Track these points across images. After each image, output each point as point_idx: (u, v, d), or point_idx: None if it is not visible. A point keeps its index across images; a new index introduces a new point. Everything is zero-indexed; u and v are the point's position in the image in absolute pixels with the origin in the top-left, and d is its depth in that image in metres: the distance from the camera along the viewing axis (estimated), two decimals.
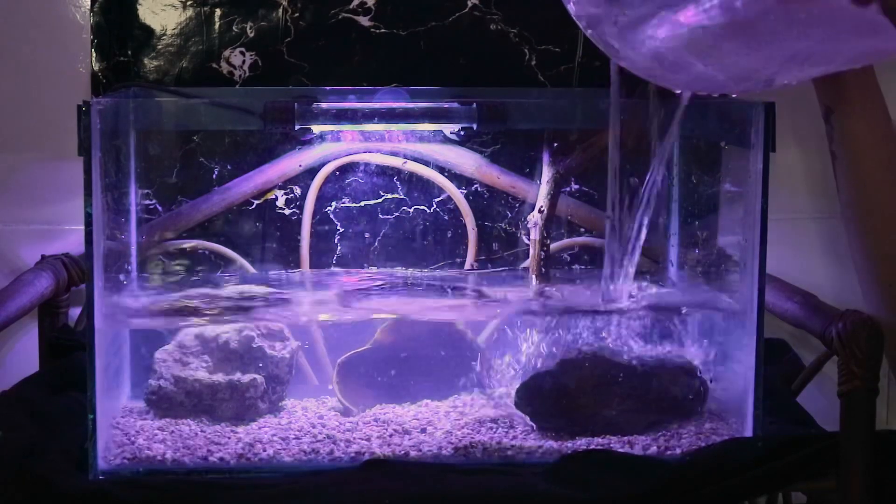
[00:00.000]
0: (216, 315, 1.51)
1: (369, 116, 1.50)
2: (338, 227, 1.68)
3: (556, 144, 1.60)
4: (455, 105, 1.52)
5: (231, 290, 1.59)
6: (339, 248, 1.68)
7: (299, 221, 1.67)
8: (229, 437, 1.44)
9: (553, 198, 1.59)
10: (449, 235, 1.69)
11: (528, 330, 1.57)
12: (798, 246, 1.85)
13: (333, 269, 1.68)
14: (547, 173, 1.60)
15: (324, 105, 1.50)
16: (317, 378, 1.65)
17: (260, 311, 1.52)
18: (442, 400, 1.58)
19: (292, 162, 1.67)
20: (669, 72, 1.09)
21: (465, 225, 1.69)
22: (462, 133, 1.59)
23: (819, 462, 1.37)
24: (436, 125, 1.58)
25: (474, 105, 1.51)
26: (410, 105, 1.52)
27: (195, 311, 1.51)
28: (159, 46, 1.73)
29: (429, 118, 1.54)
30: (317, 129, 1.57)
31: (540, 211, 1.59)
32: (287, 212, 1.68)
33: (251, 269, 1.67)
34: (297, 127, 1.49)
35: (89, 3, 1.72)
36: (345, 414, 1.54)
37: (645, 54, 1.12)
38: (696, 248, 1.63)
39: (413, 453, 1.43)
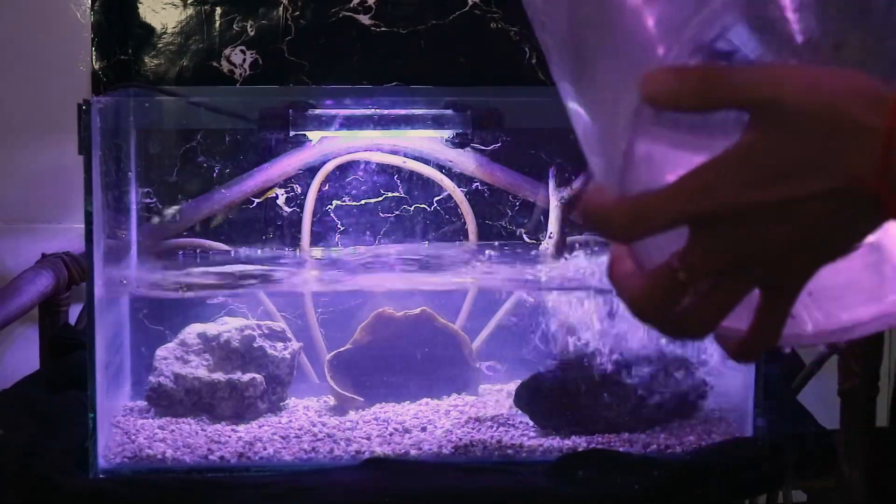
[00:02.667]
0: (215, 286, 1.51)
1: (363, 123, 1.50)
2: (338, 226, 1.68)
3: (559, 165, 1.60)
4: (450, 112, 1.52)
5: (230, 268, 1.59)
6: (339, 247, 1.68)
7: (300, 220, 1.67)
8: (229, 436, 1.44)
9: (562, 223, 1.59)
10: (449, 235, 1.69)
11: None
12: None
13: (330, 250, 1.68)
14: (553, 199, 1.60)
15: (318, 111, 1.50)
16: (317, 377, 1.65)
17: (257, 284, 1.53)
18: (438, 398, 1.58)
19: (300, 158, 1.66)
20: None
21: (465, 223, 1.69)
22: (457, 140, 1.58)
23: (819, 460, 1.37)
24: (430, 132, 1.58)
25: (468, 112, 1.50)
26: (404, 112, 1.52)
27: (195, 285, 1.51)
28: (160, 45, 1.73)
29: (423, 124, 1.54)
30: (311, 135, 1.57)
31: (549, 237, 1.59)
32: (287, 210, 1.68)
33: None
34: (291, 133, 1.49)
35: (90, 1, 1.72)
36: (338, 411, 1.54)
37: None
38: None
39: (413, 452, 1.43)
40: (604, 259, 1.56)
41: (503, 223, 1.71)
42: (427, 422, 1.50)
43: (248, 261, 1.63)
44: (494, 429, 1.49)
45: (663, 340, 1.60)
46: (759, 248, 0.58)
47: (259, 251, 1.68)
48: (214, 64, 1.74)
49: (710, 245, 0.58)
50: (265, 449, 1.42)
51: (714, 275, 0.59)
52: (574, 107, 0.68)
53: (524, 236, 1.68)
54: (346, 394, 1.55)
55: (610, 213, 0.59)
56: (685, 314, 0.60)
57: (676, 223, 0.58)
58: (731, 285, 0.59)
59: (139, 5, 1.73)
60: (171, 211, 1.60)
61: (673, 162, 0.59)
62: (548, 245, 1.60)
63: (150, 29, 1.73)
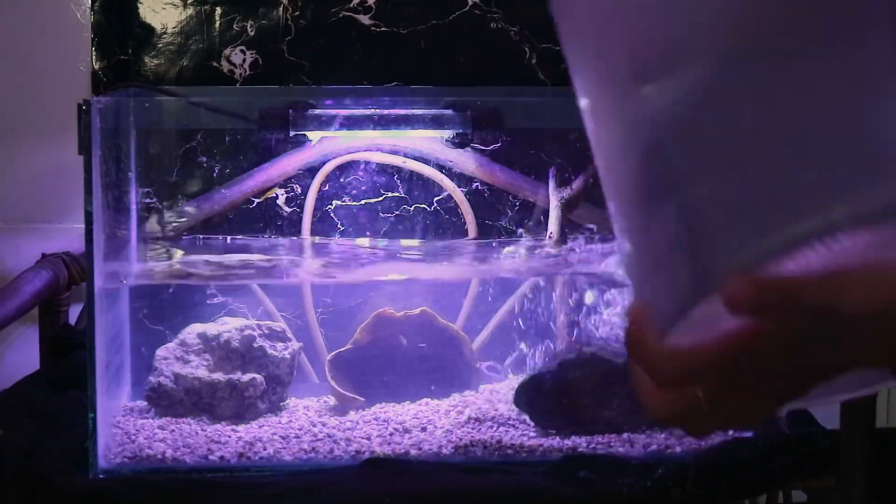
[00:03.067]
0: (215, 275, 1.51)
1: (363, 123, 1.50)
2: (338, 226, 1.68)
3: (559, 165, 1.59)
4: (450, 112, 1.52)
5: (230, 257, 1.59)
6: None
7: (300, 220, 1.67)
8: (229, 436, 1.44)
9: (562, 223, 1.59)
10: (450, 234, 1.69)
11: None
12: None
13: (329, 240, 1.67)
14: (553, 199, 1.60)
15: (318, 111, 1.50)
16: (317, 377, 1.65)
17: (256, 272, 1.53)
18: (438, 398, 1.58)
19: (300, 158, 1.66)
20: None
21: (465, 223, 1.69)
22: (457, 140, 1.58)
23: (819, 461, 1.37)
24: (430, 132, 1.58)
25: (468, 112, 1.50)
26: (404, 112, 1.52)
27: (193, 274, 1.51)
28: (160, 45, 1.73)
29: (423, 124, 1.54)
30: (311, 135, 1.57)
31: (550, 237, 1.59)
32: (287, 210, 1.68)
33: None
34: (291, 133, 1.49)
35: (90, 1, 1.72)
36: (338, 411, 1.54)
37: None
38: None
39: (413, 452, 1.43)
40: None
41: (503, 223, 1.71)
42: (427, 422, 1.50)
43: (249, 250, 1.63)
44: (494, 429, 1.49)
45: None
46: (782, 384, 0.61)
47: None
48: (214, 64, 1.74)
49: (736, 388, 0.61)
50: (265, 449, 1.42)
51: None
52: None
53: (524, 237, 1.68)
54: (347, 394, 1.55)
55: (655, 362, 0.61)
56: (696, 420, 0.63)
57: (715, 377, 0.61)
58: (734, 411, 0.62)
59: (139, 5, 1.73)
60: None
61: None
62: (548, 244, 1.60)
63: (150, 29, 1.73)
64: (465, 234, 1.69)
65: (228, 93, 1.69)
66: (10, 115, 1.74)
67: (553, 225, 1.60)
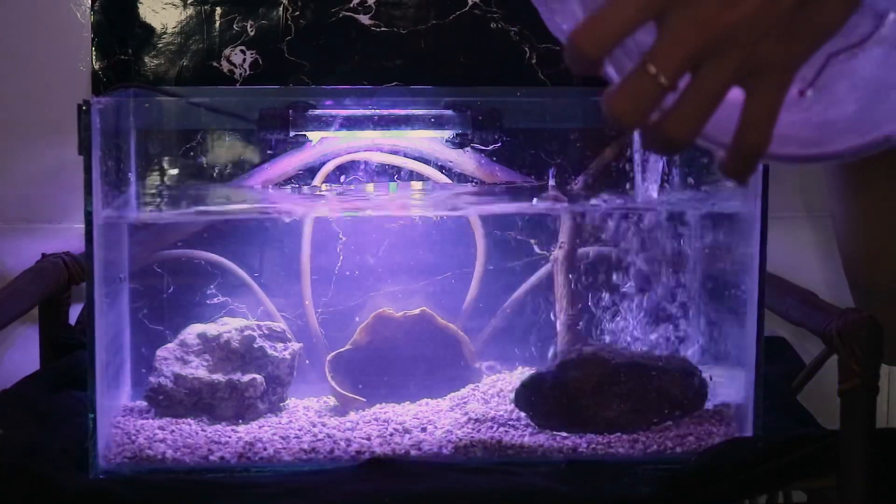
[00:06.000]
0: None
1: (363, 123, 1.50)
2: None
3: (559, 165, 1.59)
4: (450, 112, 1.52)
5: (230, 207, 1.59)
6: (341, 255, 1.68)
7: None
8: (230, 437, 1.44)
9: (571, 231, 1.59)
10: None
11: None
12: (797, 244, 1.85)
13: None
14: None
15: (318, 111, 1.50)
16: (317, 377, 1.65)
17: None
18: (438, 398, 1.58)
19: (300, 158, 1.66)
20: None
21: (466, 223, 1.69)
22: (457, 140, 1.58)
23: (819, 461, 1.37)
24: (430, 132, 1.58)
25: (468, 112, 1.50)
26: (404, 112, 1.52)
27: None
28: (160, 45, 1.73)
29: (423, 124, 1.54)
30: (311, 135, 1.57)
31: (560, 246, 1.59)
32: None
33: (246, 278, 1.65)
34: (291, 133, 1.49)
35: (90, 1, 1.72)
36: (338, 411, 1.54)
37: None
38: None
39: (413, 452, 1.43)
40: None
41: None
42: (427, 422, 1.50)
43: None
44: (494, 429, 1.49)
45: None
46: (729, 29, 0.55)
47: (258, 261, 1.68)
48: (214, 64, 1.74)
49: (675, 33, 0.55)
50: (265, 449, 1.42)
51: (687, 66, 0.56)
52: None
53: (534, 246, 1.68)
54: (348, 394, 1.55)
55: (575, 39, 0.55)
56: (668, 118, 0.57)
57: (638, 19, 0.55)
58: (708, 77, 0.56)
59: (139, 5, 1.73)
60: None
61: None
62: (558, 254, 1.60)
63: (150, 29, 1.73)
64: (465, 233, 1.69)
65: (228, 93, 1.69)
66: (10, 115, 1.74)
67: (563, 234, 1.59)
